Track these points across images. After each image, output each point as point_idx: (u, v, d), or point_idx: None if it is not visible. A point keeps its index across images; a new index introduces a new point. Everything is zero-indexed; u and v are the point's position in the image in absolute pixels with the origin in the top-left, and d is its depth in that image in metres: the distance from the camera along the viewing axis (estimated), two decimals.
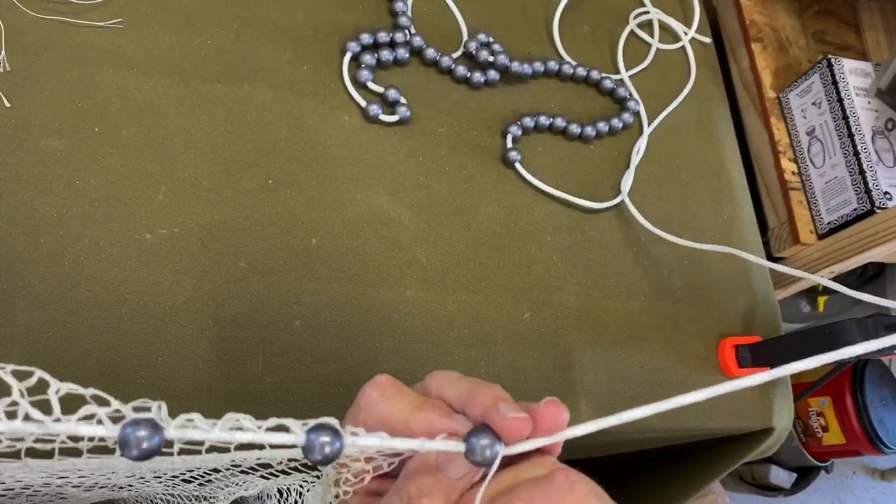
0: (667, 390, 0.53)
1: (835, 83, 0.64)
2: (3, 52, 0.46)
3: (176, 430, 0.20)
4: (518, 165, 0.56)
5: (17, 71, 0.46)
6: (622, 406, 0.51)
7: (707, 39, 0.69)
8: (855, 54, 0.76)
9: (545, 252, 0.54)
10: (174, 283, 0.44)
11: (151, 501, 0.44)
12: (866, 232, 0.59)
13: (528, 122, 0.57)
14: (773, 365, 0.54)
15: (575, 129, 0.58)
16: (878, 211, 0.60)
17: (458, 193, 0.54)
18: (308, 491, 0.36)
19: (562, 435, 0.25)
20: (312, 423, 0.22)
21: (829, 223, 0.64)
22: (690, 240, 0.55)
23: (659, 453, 0.66)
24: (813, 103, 0.66)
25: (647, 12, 0.67)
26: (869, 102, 0.64)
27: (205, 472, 0.35)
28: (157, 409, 0.20)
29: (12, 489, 0.34)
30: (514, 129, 0.56)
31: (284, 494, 0.38)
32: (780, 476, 1.19)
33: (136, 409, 0.20)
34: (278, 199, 0.48)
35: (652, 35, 0.67)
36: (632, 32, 0.66)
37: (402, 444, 0.23)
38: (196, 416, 0.20)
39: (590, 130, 0.59)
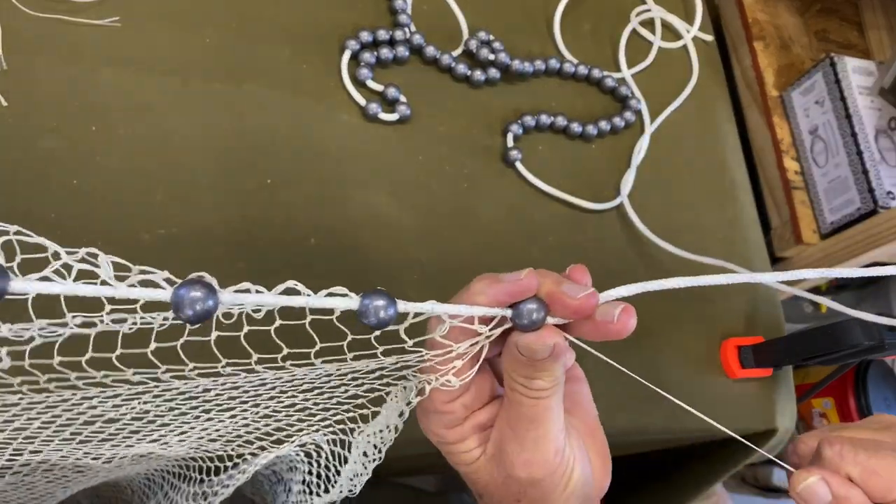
0: (669, 391, 0.53)
1: (837, 82, 0.64)
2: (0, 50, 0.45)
3: (230, 294, 0.20)
4: (519, 165, 0.55)
5: (14, 69, 0.45)
6: (624, 407, 0.51)
7: (709, 38, 0.69)
8: (858, 53, 0.75)
9: (546, 252, 0.54)
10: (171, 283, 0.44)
11: (162, 477, 0.43)
12: (869, 231, 0.59)
13: (529, 120, 0.57)
14: (776, 366, 0.54)
15: (576, 127, 0.58)
16: (881, 210, 0.59)
17: (458, 193, 0.53)
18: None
19: (610, 294, 0.27)
20: (367, 291, 0.22)
21: (831, 223, 0.64)
22: (692, 240, 0.55)
23: (662, 455, 0.65)
24: (816, 102, 0.66)
25: (649, 10, 0.67)
26: (872, 101, 0.63)
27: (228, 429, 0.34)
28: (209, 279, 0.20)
29: (28, 464, 0.34)
30: (515, 128, 0.56)
31: (314, 455, 0.37)
32: (783, 477, 1.18)
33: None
34: (277, 199, 0.48)
35: (654, 33, 0.66)
36: (633, 30, 0.65)
37: (451, 308, 0.25)
38: (247, 285, 0.20)
39: (591, 129, 0.58)
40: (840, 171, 0.63)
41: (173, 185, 0.46)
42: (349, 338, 0.25)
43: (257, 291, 0.20)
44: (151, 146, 0.47)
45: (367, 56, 0.54)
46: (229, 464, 0.38)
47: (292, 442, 0.36)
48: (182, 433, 0.33)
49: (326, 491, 0.37)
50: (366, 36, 0.54)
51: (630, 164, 0.59)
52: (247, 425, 0.34)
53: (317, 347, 0.24)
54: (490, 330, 0.26)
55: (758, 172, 0.70)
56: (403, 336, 0.25)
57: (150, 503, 0.45)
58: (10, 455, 0.31)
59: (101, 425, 0.30)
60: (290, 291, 0.21)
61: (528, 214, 0.54)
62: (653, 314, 0.54)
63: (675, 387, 0.53)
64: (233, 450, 0.37)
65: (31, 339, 0.21)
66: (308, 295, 0.21)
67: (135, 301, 0.20)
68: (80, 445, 0.33)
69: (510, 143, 0.56)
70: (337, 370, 0.27)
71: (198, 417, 0.31)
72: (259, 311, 0.21)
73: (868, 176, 0.60)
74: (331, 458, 0.36)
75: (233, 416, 0.31)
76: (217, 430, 0.34)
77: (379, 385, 0.30)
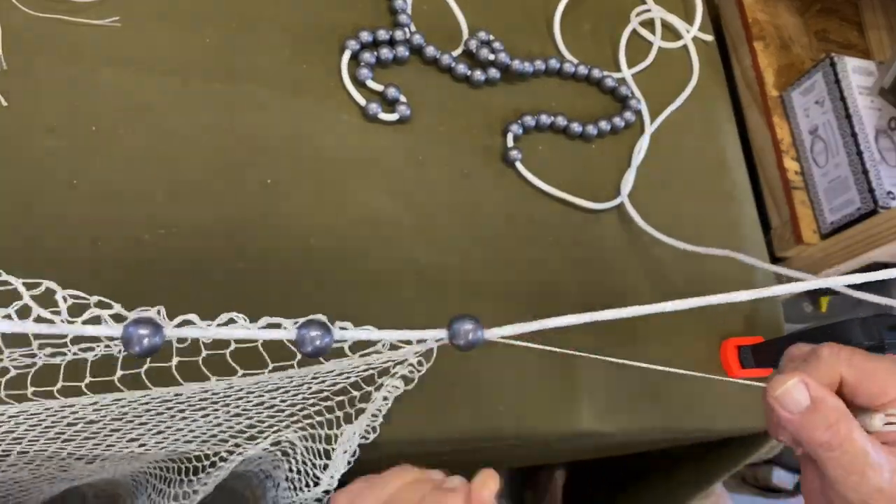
0: (669, 391, 0.53)
1: (837, 82, 0.64)
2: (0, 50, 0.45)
3: (174, 328, 0.21)
4: (519, 165, 0.55)
5: (14, 70, 0.46)
6: (624, 406, 0.51)
7: (709, 38, 0.69)
8: (858, 53, 0.75)
9: (546, 252, 0.54)
10: (172, 283, 0.44)
11: (146, 480, 0.44)
12: (869, 231, 0.59)
13: (529, 120, 0.57)
14: (775, 365, 0.54)
15: (576, 127, 0.58)
16: (881, 210, 0.59)
17: (458, 193, 0.53)
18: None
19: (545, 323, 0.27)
20: (303, 319, 0.23)
21: (831, 223, 0.64)
22: (692, 240, 0.54)
23: (662, 455, 0.65)
24: (816, 102, 0.66)
25: (649, 10, 0.67)
26: (872, 101, 0.63)
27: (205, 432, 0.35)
28: (157, 313, 0.21)
29: (16, 464, 0.34)
30: (515, 128, 0.56)
31: (290, 454, 0.38)
32: (783, 477, 1.18)
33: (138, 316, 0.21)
34: (277, 199, 0.48)
35: (654, 33, 0.66)
36: (633, 30, 0.65)
37: (389, 335, 0.25)
38: (193, 317, 0.21)
39: (591, 129, 0.58)
40: (840, 171, 0.63)
41: (173, 185, 0.46)
42: (298, 356, 0.26)
43: (202, 324, 0.22)
44: (151, 146, 0.47)
45: (367, 56, 0.54)
46: (206, 462, 0.38)
47: (265, 439, 0.36)
48: (159, 433, 0.34)
49: (309, 485, 0.38)
50: (366, 36, 0.54)
51: (630, 164, 0.59)
52: (219, 425, 0.34)
53: (270, 367, 0.26)
54: (423, 349, 0.27)
55: (758, 172, 0.70)
56: (347, 352, 0.26)
57: (138, 502, 0.45)
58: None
59: (83, 426, 0.31)
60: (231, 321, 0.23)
61: (528, 214, 0.54)
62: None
63: (674, 386, 0.53)
64: (209, 448, 0.37)
65: (6, 370, 0.22)
66: (247, 327, 0.22)
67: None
68: (65, 444, 0.33)
69: (510, 143, 0.56)
70: (297, 374, 0.28)
71: (173, 417, 0.31)
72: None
73: (868, 176, 0.60)
74: (305, 453, 0.37)
75: (206, 416, 0.32)
76: (192, 431, 0.34)
77: (341, 380, 0.31)
